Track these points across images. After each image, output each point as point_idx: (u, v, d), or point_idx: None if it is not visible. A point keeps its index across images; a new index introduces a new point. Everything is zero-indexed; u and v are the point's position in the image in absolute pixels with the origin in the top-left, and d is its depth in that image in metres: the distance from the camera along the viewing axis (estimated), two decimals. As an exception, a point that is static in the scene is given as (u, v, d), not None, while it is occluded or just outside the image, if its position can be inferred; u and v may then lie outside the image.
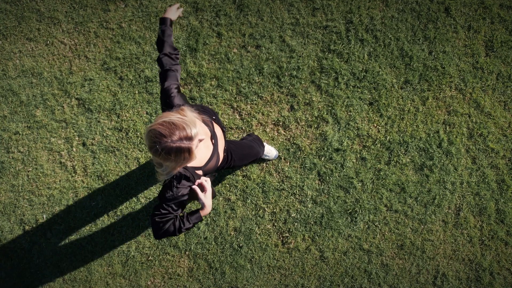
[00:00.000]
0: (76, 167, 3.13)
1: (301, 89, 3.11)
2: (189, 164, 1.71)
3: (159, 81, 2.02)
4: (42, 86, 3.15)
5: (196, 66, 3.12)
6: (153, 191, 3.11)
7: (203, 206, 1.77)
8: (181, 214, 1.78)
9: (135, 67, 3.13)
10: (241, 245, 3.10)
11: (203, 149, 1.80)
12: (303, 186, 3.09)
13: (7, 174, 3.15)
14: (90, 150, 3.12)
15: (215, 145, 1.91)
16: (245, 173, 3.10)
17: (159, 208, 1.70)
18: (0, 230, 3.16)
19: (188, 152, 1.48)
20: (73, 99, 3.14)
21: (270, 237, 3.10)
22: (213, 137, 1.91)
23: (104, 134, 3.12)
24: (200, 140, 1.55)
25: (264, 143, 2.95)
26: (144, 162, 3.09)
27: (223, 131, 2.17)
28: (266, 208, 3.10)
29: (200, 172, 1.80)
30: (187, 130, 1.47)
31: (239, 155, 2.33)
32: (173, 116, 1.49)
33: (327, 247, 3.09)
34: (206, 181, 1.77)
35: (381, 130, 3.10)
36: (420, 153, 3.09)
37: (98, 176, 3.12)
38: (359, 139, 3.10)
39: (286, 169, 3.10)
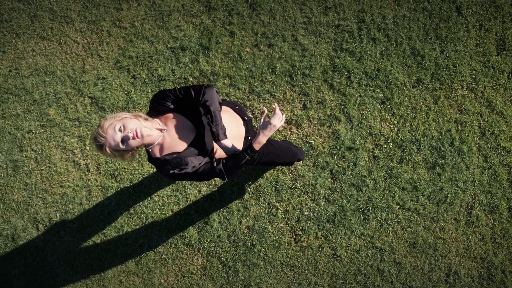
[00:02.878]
0: (90, 165, 3.13)
1: (314, 88, 3.12)
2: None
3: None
4: (55, 85, 3.15)
5: (209, 65, 3.13)
6: (166, 190, 3.12)
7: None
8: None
9: (148, 66, 3.14)
10: (254, 243, 3.11)
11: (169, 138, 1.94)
12: (315, 184, 3.10)
13: (20, 172, 3.16)
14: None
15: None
16: (257, 172, 3.11)
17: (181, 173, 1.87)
18: (13, 228, 3.16)
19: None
20: (86, 98, 3.15)
21: (283, 235, 3.12)
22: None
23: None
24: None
25: None
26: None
27: (245, 121, 2.22)
28: (279, 207, 3.11)
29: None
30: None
31: (269, 151, 2.34)
32: None
33: (340, 245, 3.10)
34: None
35: (394, 129, 3.11)
36: (432, 151, 3.10)
37: (111, 174, 3.13)
38: (372, 138, 3.11)
39: (299, 167, 3.11)
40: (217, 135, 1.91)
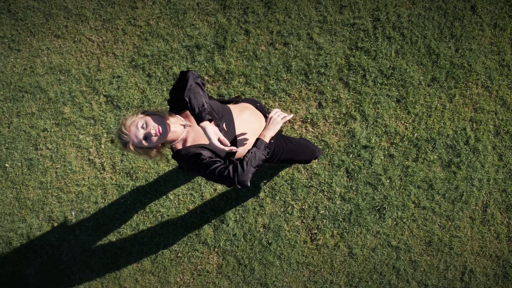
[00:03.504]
0: (105, 164, 3.13)
1: (329, 86, 3.12)
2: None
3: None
4: (70, 83, 3.15)
5: (224, 64, 3.13)
6: (182, 188, 3.12)
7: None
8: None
9: (163, 64, 3.14)
10: (270, 241, 3.11)
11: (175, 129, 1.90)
12: (331, 183, 3.10)
13: (36, 171, 3.15)
14: (118, 147, 3.12)
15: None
16: (273, 170, 3.11)
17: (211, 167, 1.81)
18: (28, 227, 3.16)
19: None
20: (101, 96, 3.14)
21: (299, 233, 3.12)
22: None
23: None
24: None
25: None
26: (172, 159, 3.09)
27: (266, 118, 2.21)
28: (294, 205, 3.11)
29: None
30: None
31: (288, 148, 2.34)
32: None
33: (355, 244, 3.11)
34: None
35: (409, 127, 3.12)
36: (448, 150, 3.11)
37: (126, 173, 3.13)
38: (387, 136, 3.12)
39: (315, 166, 3.11)
40: (199, 116, 1.74)
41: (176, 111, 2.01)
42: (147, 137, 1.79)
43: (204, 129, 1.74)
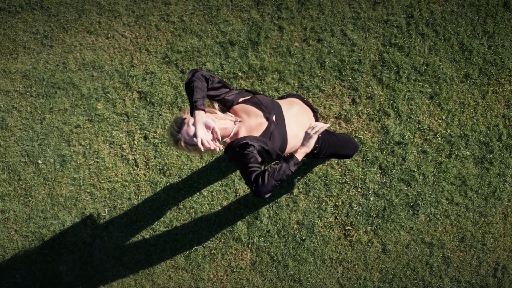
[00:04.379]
0: (138, 160, 3.12)
1: (363, 83, 3.12)
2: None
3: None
4: (103, 79, 3.14)
5: (258, 60, 3.13)
6: (215, 185, 3.12)
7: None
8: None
9: (196, 61, 3.13)
10: (303, 238, 3.11)
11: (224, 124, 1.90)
12: (365, 179, 3.10)
13: (68, 167, 3.14)
14: (152, 143, 3.12)
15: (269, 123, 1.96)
16: (307, 167, 3.11)
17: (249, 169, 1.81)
18: (61, 223, 3.15)
19: None
20: (134, 92, 3.13)
21: (333, 230, 3.12)
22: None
23: (166, 127, 3.11)
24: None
25: None
26: (206, 155, 3.09)
27: (314, 113, 2.23)
28: (328, 201, 3.11)
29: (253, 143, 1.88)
30: None
31: (334, 142, 2.34)
32: None
33: (389, 240, 3.11)
34: None
35: (442, 124, 3.12)
36: (481, 146, 3.11)
37: (160, 169, 3.12)
38: (420, 133, 3.12)
39: (348, 162, 3.11)
40: (193, 106, 1.76)
41: (227, 108, 2.02)
42: (196, 134, 1.79)
43: (194, 117, 1.74)
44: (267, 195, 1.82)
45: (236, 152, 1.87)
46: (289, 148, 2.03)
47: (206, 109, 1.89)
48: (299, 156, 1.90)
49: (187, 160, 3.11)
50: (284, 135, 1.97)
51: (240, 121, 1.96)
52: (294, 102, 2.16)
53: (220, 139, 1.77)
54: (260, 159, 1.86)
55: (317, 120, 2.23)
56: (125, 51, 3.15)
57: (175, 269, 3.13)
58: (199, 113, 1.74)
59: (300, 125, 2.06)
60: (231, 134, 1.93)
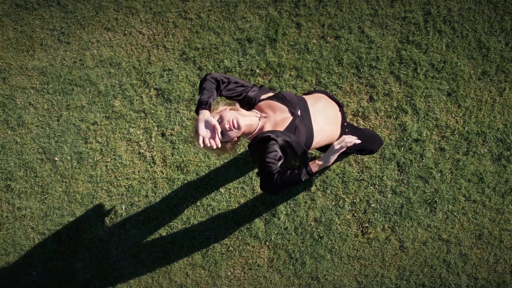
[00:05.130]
0: (155, 157, 3.11)
1: (381, 80, 3.12)
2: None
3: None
4: (120, 76, 3.13)
5: (275, 57, 3.12)
6: (233, 182, 3.11)
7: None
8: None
9: (214, 57, 3.13)
10: (321, 235, 3.11)
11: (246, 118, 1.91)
12: (382, 176, 3.10)
13: (85, 164, 3.13)
14: (169, 140, 3.11)
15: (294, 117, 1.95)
16: (324, 164, 3.10)
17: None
18: (78, 221, 3.14)
19: None
20: (151, 89, 3.13)
21: (350, 227, 3.12)
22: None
23: (183, 124, 3.11)
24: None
25: None
26: (232, 152, 3.08)
27: (340, 107, 2.22)
28: (346, 199, 3.11)
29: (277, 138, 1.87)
30: None
31: (360, 137, 2.33)
32: None
33: (406, 237, 3.11)
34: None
35: (459, 121, 3.12)
36: (498, 143, 3.11)
37: (177, 166, 3.11)
38: (438, 130, 3.12)
39: (366, 159, 3.11)
40: (198, 105, 1.82)
41: (248, 107, 2.03)
42: (223, 132, 1.83)
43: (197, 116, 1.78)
44: (272, 194, 1.85)
45: (257, 145, 1.88)
46: (315, 143, 2.02)
47: (230, 108, 1.93)
48: (314, 167, 1.87)
49: (204, 157, 3.11)
50: (310, 129, 1.97)
51: (265, 117, 1.97)
52: (320, 97, 2.16)
53: (220, 136, 1.78)
54: (279, 155, 1.85)
55: (343, 114, 2.22)
56: (143, 48, 3.14)
57: (192, 267, 3.13)
58: (202, 112, 1.77)
59: (326, 119, 2.06)
60: (256, 130, 1.94)
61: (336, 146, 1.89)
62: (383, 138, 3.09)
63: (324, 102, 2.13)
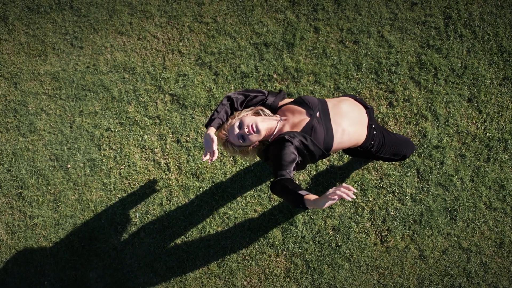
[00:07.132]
0: (170, 164, 3.05)
1: (400, 85, 3.06)
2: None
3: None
4: (134, 82, 3.06)
5: (293, 62, 3.06)
6: (249, 191, 3.05)
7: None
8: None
9: (230, 62, 3.06)
10: (339, 244, 3.05)
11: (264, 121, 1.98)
12: (402, 184, 3.04)
13: (99, 172, 3.06)
14: (184, 147, 3.05)
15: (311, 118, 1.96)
16: (343, 171, 3.04)
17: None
18: (91, 229, 3.07)
19: None
20: (166, 95, 3.06)
21: (369, 235, 3.06)
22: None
23: (199, 131, 3.04)
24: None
25: None
26: (240, 159, 3.02)
27: (367, 109, 2.18)
28: (364, 206, 3.05)
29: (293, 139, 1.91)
30: None
31: (393, 141, 2.28)
32: None
33: (426, 246, 3.05)
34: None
35: (480, 127, 3.06)
36: (519, 150, 3.06)
37: (192, 174, 3.05)
38: (458, 136, 3.06)
39: (385, 166, 3.05)
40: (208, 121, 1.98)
41: (272, 112, 2.06)
42: (243, 136, 1.90)
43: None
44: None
45: (272, 145, 1.93)
46: (336, 144, 2.00)
47: (252, 114, 2.00)
48: (308, 204, 1.65)
49: (220, 165, 3.04)
50: (329, 130, 1.96)
51: (285, 119, 2.01)
52: (344, 99, 2.13)
53: (214, 155, 1.95)
54: (293, 157, 1.85)
55: (370, 116, 2.16)
56: (157, 52, 3.07)
57: (208, 276, 3.06)
58: (208, 129, 1.96)
59: (349, 119, 2.04)
60: (275, 132, 1.98)
61: (329, 193, 1.60)
62: (402, 145, 3.03)
63: (348, 103, 2.10)
